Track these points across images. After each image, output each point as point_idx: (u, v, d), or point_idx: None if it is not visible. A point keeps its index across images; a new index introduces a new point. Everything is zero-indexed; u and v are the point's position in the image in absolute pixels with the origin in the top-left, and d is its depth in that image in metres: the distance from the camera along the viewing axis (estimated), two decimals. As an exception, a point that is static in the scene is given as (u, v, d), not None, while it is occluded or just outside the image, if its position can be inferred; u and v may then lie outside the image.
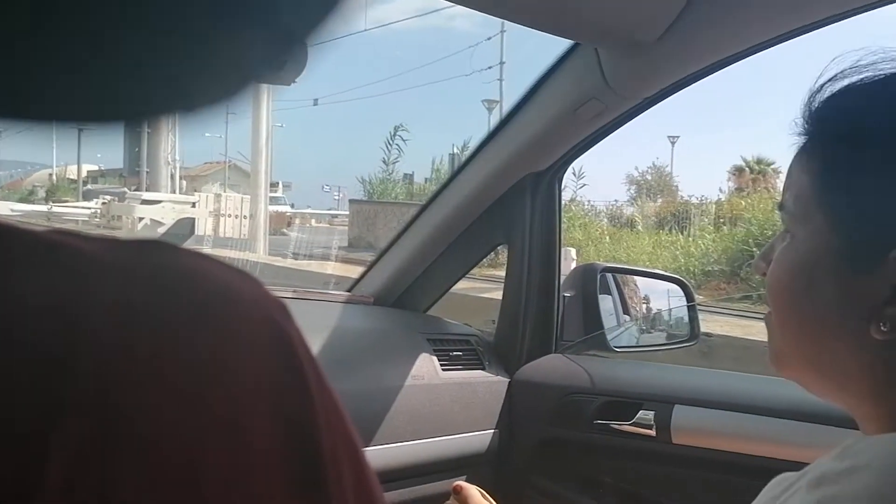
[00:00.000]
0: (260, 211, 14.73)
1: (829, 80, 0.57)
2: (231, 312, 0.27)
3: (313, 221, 26.34)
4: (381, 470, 1.34)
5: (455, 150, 19.91)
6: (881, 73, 0.55)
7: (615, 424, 1.41)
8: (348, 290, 1.78)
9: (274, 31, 0.28)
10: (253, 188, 14.95)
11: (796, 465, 0.51)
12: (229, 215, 17.07)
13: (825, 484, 0.46)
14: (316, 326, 1.42)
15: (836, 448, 0.49)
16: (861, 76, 0.56)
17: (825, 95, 0.57)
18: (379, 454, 1.33)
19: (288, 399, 0.27)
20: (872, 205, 0.52)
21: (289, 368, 0.27)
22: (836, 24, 1.11)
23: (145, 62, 0.26)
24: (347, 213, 20.10)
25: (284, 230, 20.69)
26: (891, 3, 1.04)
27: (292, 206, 31.69)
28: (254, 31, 0.27)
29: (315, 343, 1.34)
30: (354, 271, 2.04)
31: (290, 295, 1.63)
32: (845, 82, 0.57)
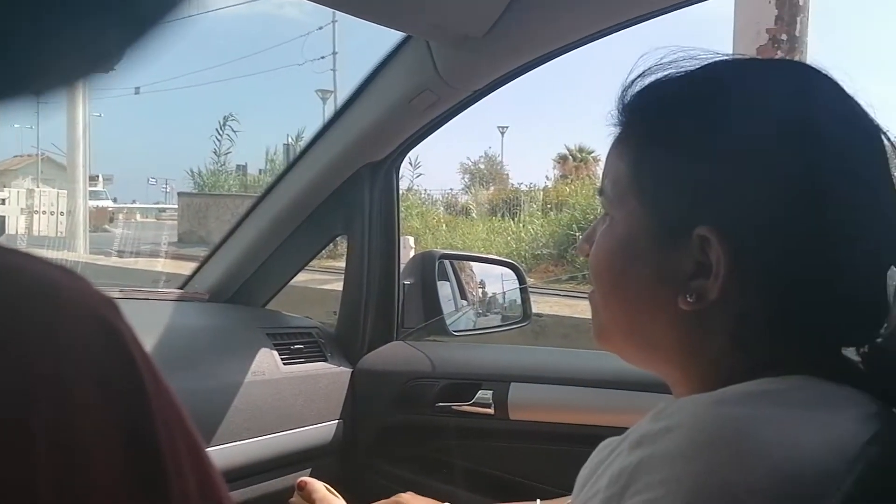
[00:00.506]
0: (79, 206, 13.70)
1: (639, 75, 0.62)
2: (54, 309, 0.25)
3: (139, 216, 24.92)
4: (224, 469, 1.29)
5: (290, 141, 19.53)
6: (682, 69, 0.61)
7: (456, 406, 1.46)
8: (181, 288, 1.71)
9: (98, 17, 0.27)
10: (70, 182, 13.87)
11: (621, 430, 0.55)
12: (44, 212, 15.77)
13: (644, 444, 0.50)
14: (147, 325, 1.35)
15: (652, 411, 0.53)
16: (666, 72, 0.61)
17: (635, 90, 0.62)
18: (221, 453, 1.29)
19: (121, 396, 0.26)
20: (676, 188, 0.57)
21: (120, 365, 0.26)
22: (645, 22, 1.20)
23: None
24: (176, 206, 19.16)
25: (107, 226, 19.41)
26: (696, 2, 1.14)
27: (115, 200, 29.82)
28: (76, 17, 0.26)
29: (148, 343, 1.27)
30: (186, 268, 1.96)
31: (117, 294, 1.54)
32: (652, 78, 0.62)
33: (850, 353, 0.57)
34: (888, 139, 0.57)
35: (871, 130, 0.57)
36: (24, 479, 0.23)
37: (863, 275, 0.55)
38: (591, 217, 9.58)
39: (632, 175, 0.60)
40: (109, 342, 0.26)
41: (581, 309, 6.06)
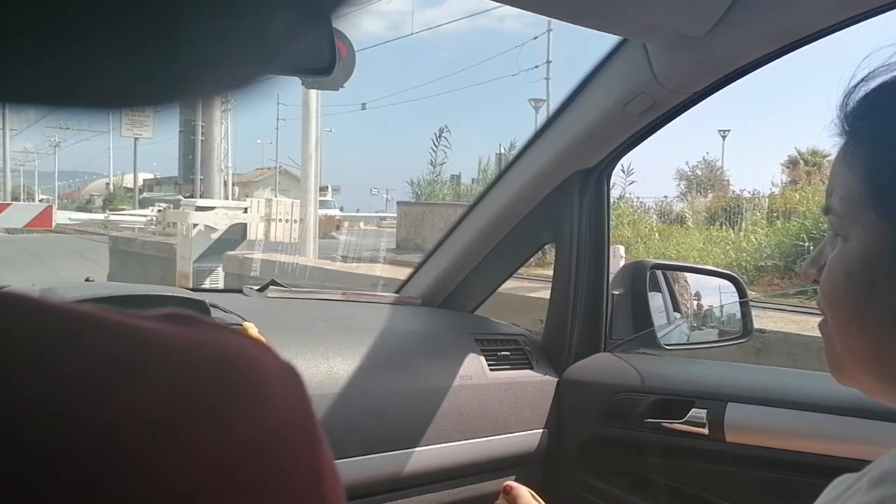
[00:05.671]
0: (310, 215, 14.88)
1: (863, 79, 0.56)
2: (257, 382, 0.27)
3: (362, 224, 26.59)
4: (430, 470, 1.34)
5: (502, 150, 19.92)
6: None
7: (666, 423, 1.40)
8: (396, 292, 1.79)
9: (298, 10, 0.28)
10: (303, 193, 15.12)
11: (853, 462, 0.50)
12: (280, 220, 17.25)
13: (887, 482, 0.45)
14: (364, 327, 1.43)
15: (896, 446, 0.48)
16: (894, 73, 0.55)
17: (860, 95, 0.56)
18: (428, 454, 1.33)
19: (301, 462, 0.28)
20: None
21: (304, 434, 0.28)
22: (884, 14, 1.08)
23: (189, 46, 0.26)
24: (395, 215, 20.22)
25: (334, 234, 20.90)
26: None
27: (341, 209, 32.06)
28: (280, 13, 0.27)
29: (364, 344, 1.35)
30: (402, 273, 2.05)
31: (339, 297, 1.65)
32: (879, 80, 0.56)
33: None
34: None
35: None
36: None
37: None
38: (825, 227, 8.82)
39: (867, 188, 0.54)
40: (300, 411, 0.28)
41: (811, 326, 5.59)
